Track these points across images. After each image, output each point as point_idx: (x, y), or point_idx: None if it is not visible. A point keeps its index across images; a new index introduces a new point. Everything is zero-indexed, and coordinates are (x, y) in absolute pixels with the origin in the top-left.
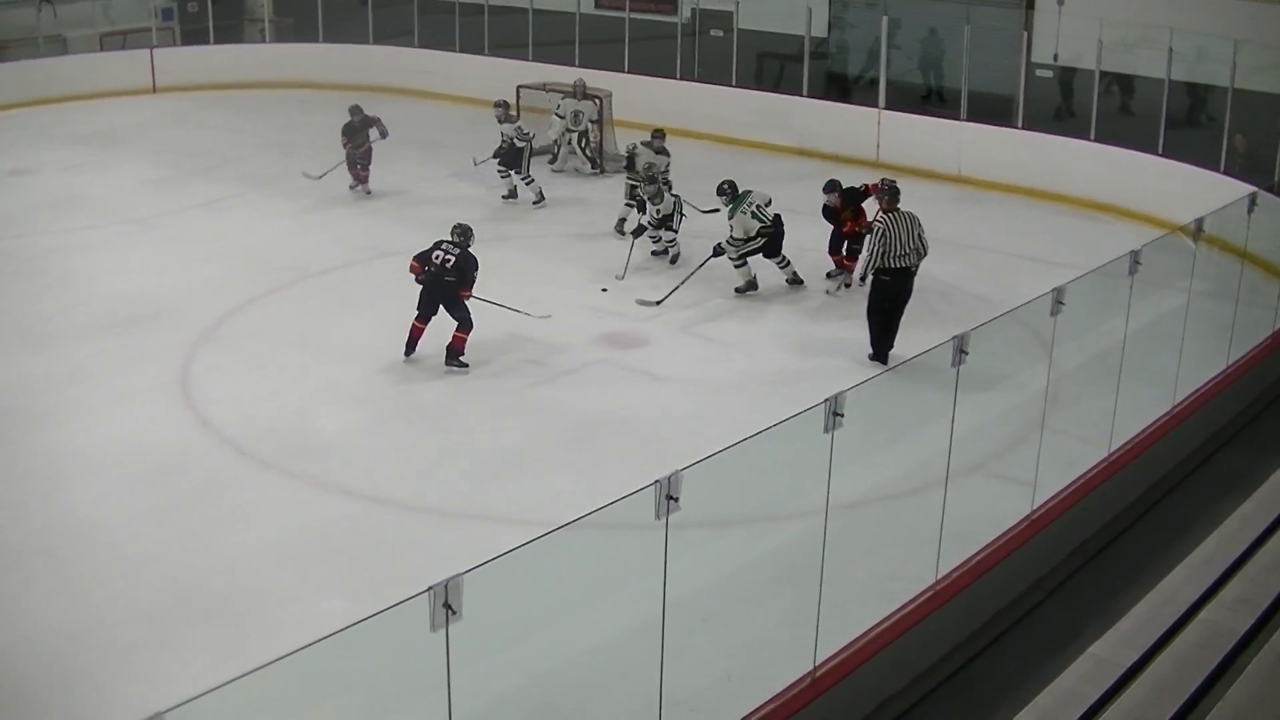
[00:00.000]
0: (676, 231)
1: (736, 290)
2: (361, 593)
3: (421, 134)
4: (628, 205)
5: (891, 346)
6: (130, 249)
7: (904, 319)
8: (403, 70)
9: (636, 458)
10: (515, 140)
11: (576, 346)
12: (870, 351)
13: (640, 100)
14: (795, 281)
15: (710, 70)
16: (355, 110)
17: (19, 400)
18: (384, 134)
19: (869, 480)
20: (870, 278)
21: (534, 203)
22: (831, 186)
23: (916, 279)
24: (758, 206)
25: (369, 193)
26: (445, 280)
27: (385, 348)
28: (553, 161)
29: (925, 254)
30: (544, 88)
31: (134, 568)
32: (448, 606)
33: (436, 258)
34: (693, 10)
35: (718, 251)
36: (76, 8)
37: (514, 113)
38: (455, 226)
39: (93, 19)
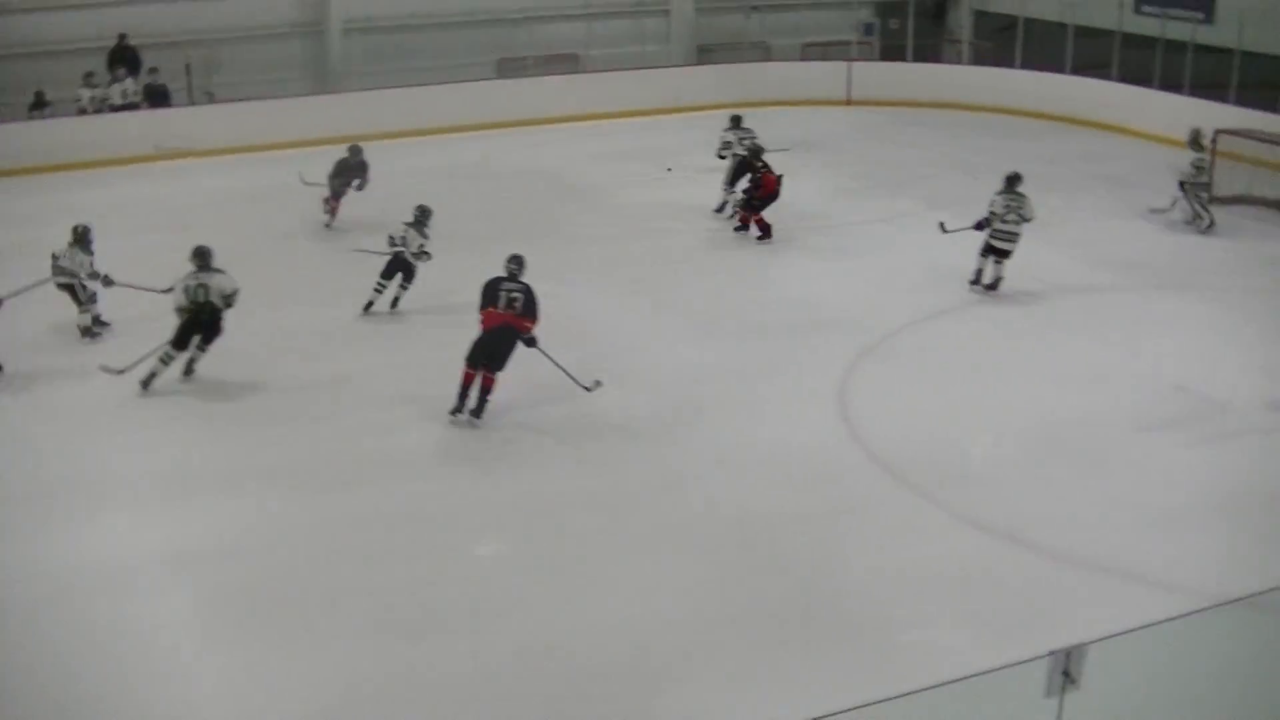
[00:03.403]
0: None
1: None
2: (984, 634)
3: (1109, 169)
4: None
5: None
6: (812, 255)
7: None
8: (1096, 103)
9: None
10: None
11: (1244, 409)
12: None
13: None
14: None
15: None
16: (354, 150)
17: (695, 388)
18: (363, 186)
19: None
20: None
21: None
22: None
23: None
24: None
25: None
26: None
27: (1051, 385)
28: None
29: None
30: (1244, 134)
31: (770, 569)
32: (1066, 675)
33: None
34: None
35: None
36: (780, 17)
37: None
38: None
39: (796, 29)
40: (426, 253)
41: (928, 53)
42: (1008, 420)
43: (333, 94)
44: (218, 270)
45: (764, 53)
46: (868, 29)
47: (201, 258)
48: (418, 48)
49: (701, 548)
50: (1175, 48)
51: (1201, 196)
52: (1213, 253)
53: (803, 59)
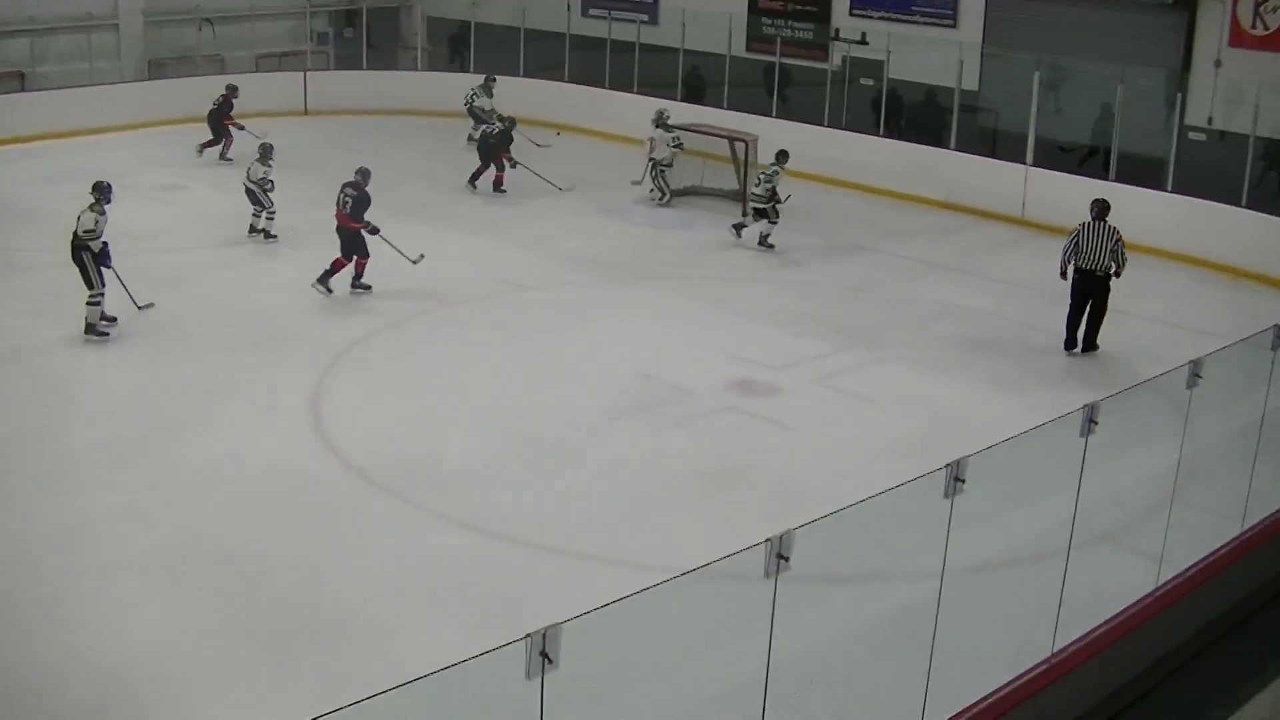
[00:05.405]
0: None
1: None
2: (475, 629)
3: (568, 169)
4: None
5: (1078, 345)
6: (275, 268)
7: (1047, 386)
8: (553, 105)
9: (759, 509)
10: None
11: (707, 392)
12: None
13: (787, 146)
14: None
15: (858, 119)
16: (233, 90)
17: (157, 410)
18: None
19: (990, 546)
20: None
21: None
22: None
23: None
24: None
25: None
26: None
27: (520, 382)
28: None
29: (1120, 265)
30: (692, 128)
31: (249, 587)
32: (544, 655)
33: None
34: (844, 58)
35: None
36: (234, 29)
37: None
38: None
39: (250, 40)
40: (270, 180)
41: (383, 60)
42: (480, 419)
43: None
44: (92, 210)
45: (218, 66)
46: (322, 38)
47: (97, 191)
48: None
49: (177, 572)
50: (623, 48)
51: (663, 172)
52: (669, 244)
53: (257, 71)
